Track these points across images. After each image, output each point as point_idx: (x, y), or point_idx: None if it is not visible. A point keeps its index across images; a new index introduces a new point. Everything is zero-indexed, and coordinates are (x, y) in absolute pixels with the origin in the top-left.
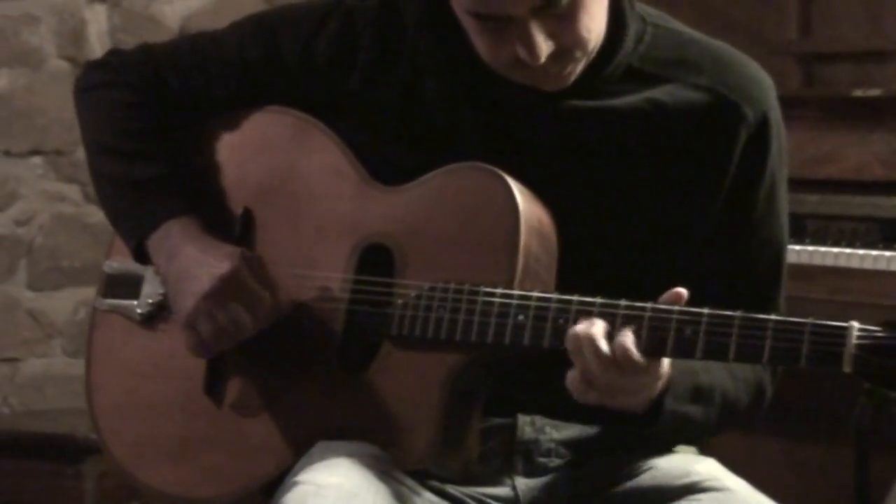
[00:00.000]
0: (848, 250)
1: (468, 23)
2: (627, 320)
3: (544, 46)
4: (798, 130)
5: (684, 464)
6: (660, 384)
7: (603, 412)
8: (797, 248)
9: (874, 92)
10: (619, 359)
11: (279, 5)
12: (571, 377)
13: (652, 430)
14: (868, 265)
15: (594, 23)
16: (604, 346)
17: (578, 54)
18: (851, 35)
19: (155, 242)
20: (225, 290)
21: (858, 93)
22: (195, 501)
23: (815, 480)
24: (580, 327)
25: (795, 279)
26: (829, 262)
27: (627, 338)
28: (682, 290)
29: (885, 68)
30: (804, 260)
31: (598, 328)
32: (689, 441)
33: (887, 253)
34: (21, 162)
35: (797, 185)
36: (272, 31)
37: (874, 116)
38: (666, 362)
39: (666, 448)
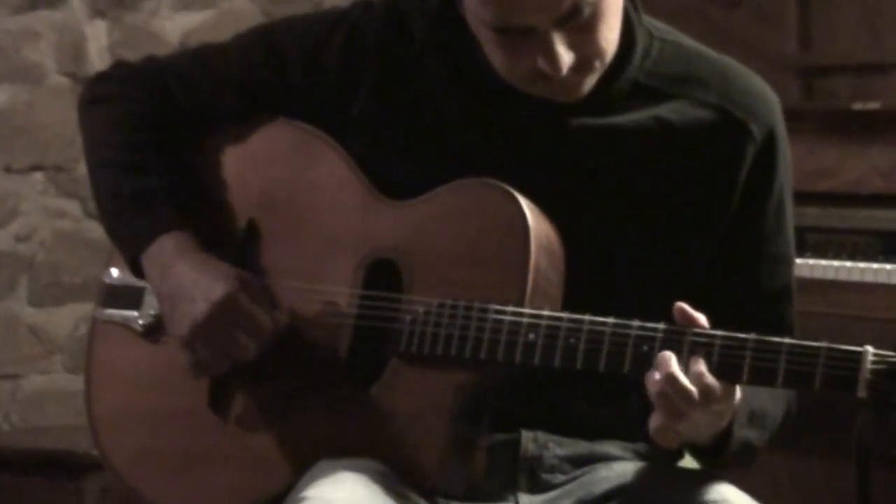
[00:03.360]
0: (848, 263)
1: (485, 36)
2: (639, 341)
3: (566, 57)
4: (798, 143)
5: (686, 479)
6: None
7: (609, 428)
8: (797, 261)
9: (874, 105)
10: (696, 385)
11: (284, 17)
12: (656, 424)
13: (720, 460)
14: (868, 278)
15: (612, 34)
16: (682, 378)
17: (597, 65)
18: (851, 48)
19: (149, 258)
20: (221, 315)
21: (858, 106)
22: None
23: (818, 494)
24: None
25: (796, 292)
26: (830, 275)
27: (700, 364)
28: (700, 317)
29: (885, 81)
30: (804, 273)
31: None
32: (744, 466)
33: (888, 266)
34: (21, 178)
35: (797, 197)
36: (277, 44)
37: (874, 129)
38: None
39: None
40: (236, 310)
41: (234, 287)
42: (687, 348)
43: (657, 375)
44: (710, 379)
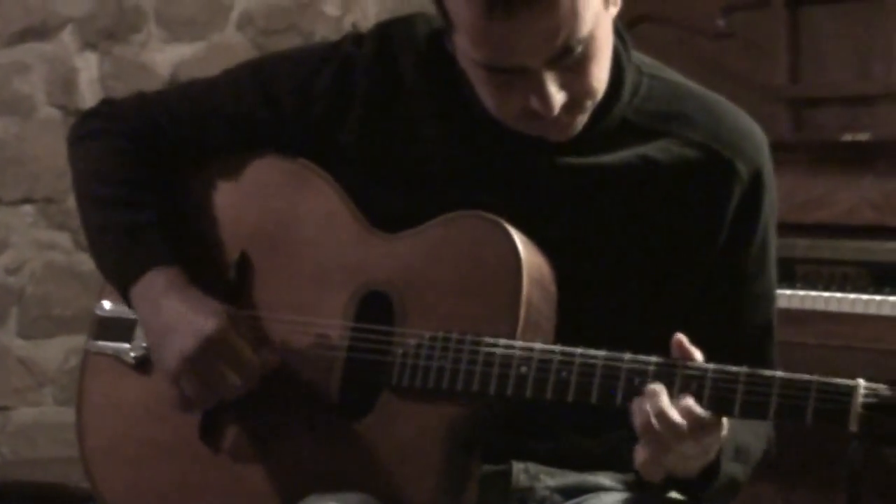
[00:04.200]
0: (839, 294)
1: (477, 75)
2: (631, 374)
3: (558, 97)
4: (788, 175)
5: None
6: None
7: (600, 459)
8: (788, 292)
9: (863, 136)
10: (685, 418)
11: (273, 52)
12: (642, 458)
13: (704, 494)
14: (859, 309)
15: (603, 73)
16: (671, 412)
17: (589, 104)
18: (840, 80)
19: (139, 292)
20: (210, 350)
21: (848, 137)
22: None
23: None
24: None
25: (786, 324)
26: (820, 306)
27: (689, 398)
28: (696, 352)
29: (875, 112)
30: (795, 304)
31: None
32: (727, 501)
33: (878, 297)
34: (12, 210)
35: (788, 229)
36: (267, 79)
37: (864, 160)
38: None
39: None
40: (224, 345)
41: (224, 323)
42: (679, 381)
43: (646, 406)
44: (700, 411)
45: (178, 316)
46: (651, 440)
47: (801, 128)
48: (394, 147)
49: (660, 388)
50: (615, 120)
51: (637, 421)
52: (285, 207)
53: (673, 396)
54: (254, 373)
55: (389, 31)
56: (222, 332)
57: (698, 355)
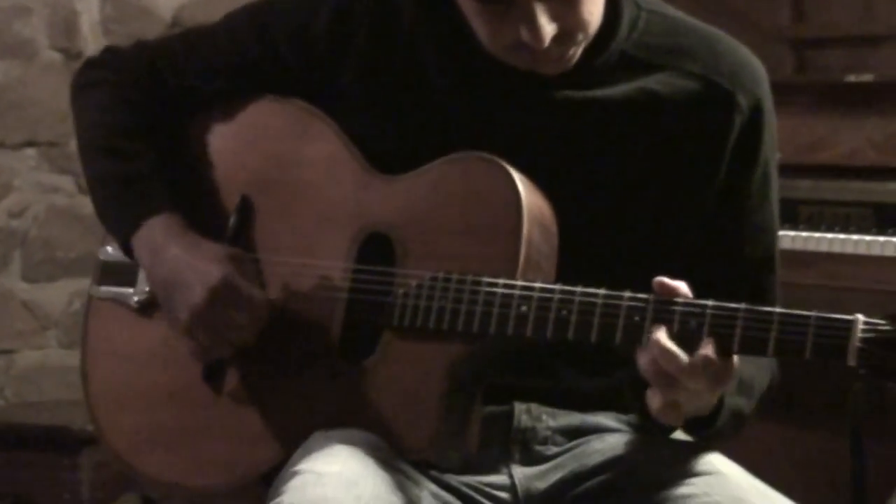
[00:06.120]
0: (842, 236)
1: (470, 6)
2: (630, 311)
3: (548, 29)
4: (791, 116)
5: (678, 450)
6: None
7: (602, 400)
8: (791, 233)
9: (867, 77)
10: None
11: None
12: (657, 402)
13: (711, 430)
14: (861, 250)
15: (595, 6)
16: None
17: (580, 37)
18: (844, 20)
19: (139, 241)
20: (217, 299)
21: (851, 78)
22: (193, 489)
23: (812, 465)
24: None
25: (789, 265)
26: (823, 247)
27: (708, 345)
28: (680, 284)
29: (878, 53)
30: (798, 246)
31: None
32: (735, 434)
33: (881, 238)
34: (14, 154)
35: (790, 170)
36: (266, 23)
37: (867, 102)
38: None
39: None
40: (231, 291)
41: (227, 267)
42: (678, 318)
43: (650, 348)
44: (709, 352)
45: (181, 266)
46: (660, 381)
47: (804, 68)
48: (393, 85)
49: (658, 329)
50: (614, 54)
51: (643, 365)
52: (286, 151)
53: (673, 332)
54: (263, 311)
55: None
56: (228, 278)
57: (684, 288)
